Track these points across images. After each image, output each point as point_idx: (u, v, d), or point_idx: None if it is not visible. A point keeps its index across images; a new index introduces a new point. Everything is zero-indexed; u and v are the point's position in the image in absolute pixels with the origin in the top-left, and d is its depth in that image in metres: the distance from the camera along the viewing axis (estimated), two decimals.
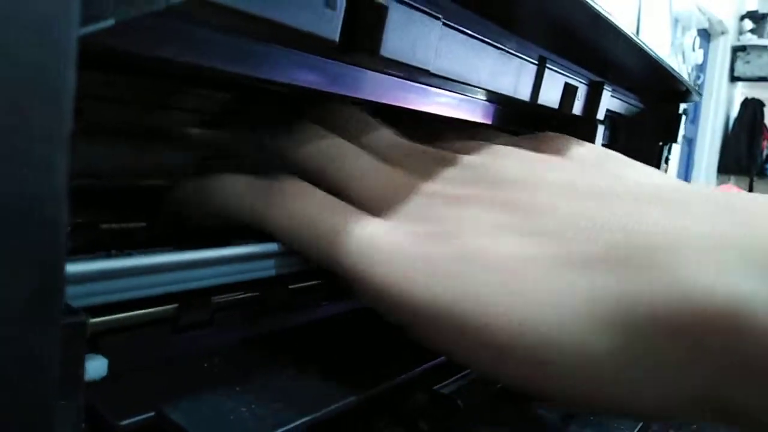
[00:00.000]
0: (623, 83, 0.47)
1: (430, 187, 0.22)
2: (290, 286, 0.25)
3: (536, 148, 0.27)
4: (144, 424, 0.17)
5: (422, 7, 0.23)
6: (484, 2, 0.29)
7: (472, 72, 0.28)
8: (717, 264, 0.16)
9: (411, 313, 0.20)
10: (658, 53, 0.40)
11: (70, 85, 0.10)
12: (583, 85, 0.39)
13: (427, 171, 0.23)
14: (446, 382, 0.32)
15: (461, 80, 0.27)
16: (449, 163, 0.23)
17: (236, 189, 0.24)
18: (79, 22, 0.10)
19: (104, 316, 0.19)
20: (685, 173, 3.41)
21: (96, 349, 0.18)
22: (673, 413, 0.17)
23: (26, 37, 0.10)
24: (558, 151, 0.27)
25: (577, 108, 0.39)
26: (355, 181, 0.24)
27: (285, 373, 0.22)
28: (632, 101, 0.50)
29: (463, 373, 0.33)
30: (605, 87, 0.41)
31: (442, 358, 0.30)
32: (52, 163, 0.10)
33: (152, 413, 0.17)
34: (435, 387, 0.31)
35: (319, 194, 0.23)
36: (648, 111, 0.52)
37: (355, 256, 0.21)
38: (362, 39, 0.21)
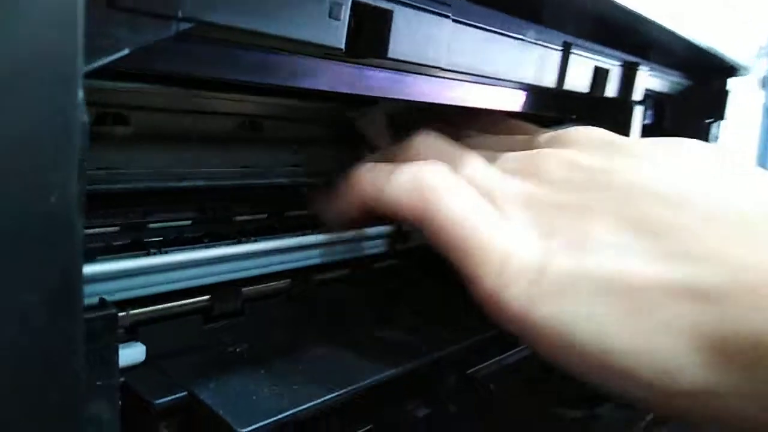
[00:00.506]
0: (665, 61, 0.46)
1: (547, 192, 0.22)
2: (316, 276, 0.26)
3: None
4: (177, 403, 0.19)
5: (430, 8, 0.24)
6: None
7: (489, 64, 0.28)
8: None
9: (531, 326, 0.20)
10: (720, 17, 0.39)
11: (77, 121, 0.12)
12: (616, 67, 0.39)
13: (542, 173, 0.23)
14: (480, 366, 0.33)
15: (477, 73, 0.28)
16: (565, 163, 0.23)
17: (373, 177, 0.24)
18: (83, 66, 0.12)
19: (143, 307, 0.21)
20: (765, 146, 3.21)
21: (136, 337, 0.21)
22: None
23: (37, 84, 0.11)
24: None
25: (611, 90, 0.39)
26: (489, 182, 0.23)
27: (311, 355, 0.23)
28: (676, 79, 0.49)
29: (497, 358, 0.34)
30: (640, 67, 0.40)
31: (476, 339, 0.31)
32: (67, 182, 0.12)
33: (184, 393, 0.19)
34: (469, 371, 0.33)
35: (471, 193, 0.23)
36: (695, 88, 0.50)
37: (486, 270, 0.21)
38: (369, 44, 0.23)
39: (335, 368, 0.23)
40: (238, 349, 0.23)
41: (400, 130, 0.39)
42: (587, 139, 0.25)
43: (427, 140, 0.26)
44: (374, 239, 0.27)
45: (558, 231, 0.21)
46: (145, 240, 0.28)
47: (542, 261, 0.20)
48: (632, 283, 0.19)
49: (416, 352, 0.26)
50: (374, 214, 0.24)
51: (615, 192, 0.21)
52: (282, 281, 0.25)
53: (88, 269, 0.17)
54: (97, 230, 0.28)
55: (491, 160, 0.25)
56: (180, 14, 0.17)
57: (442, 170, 0.23)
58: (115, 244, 0.27)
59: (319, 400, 0.20)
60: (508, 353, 0.33)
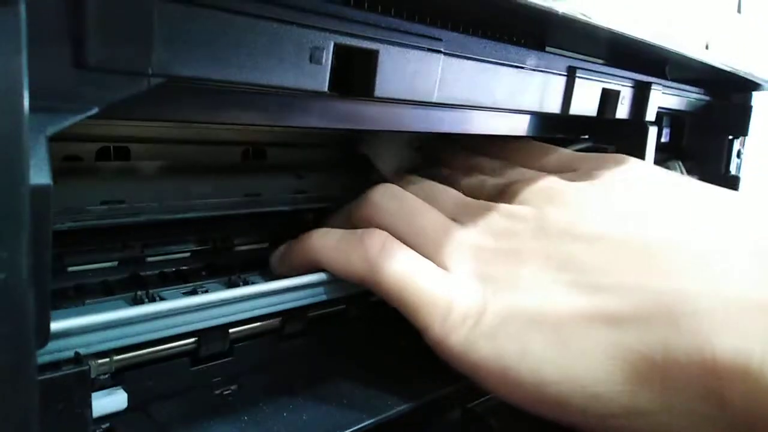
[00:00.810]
0: (682, 78, 0.45)
1: (489, 241, 0.24)
2: (308, 314, 0.26)
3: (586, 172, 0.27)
4: None
5: (419, 44, 0.24)
6: (499, 28, 0.29)
7: (485, 95, 0.28)
8: (744, 328, 0.17)
9: (474, 367, 0.22)
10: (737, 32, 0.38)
11: (24, 205, 0.12)
12: (627, 88, 0.38)
13: (486, 225, 0.25)
14: (480, 400, 0.32)
15: (472, 104, 0.28)
16: (507, 215, 0.25)
17: (328, 242, 0.26)
18: (28, 137, 0.12)
19: (128, 352, 0.21)
20: None
21: (121, 382, 0.21)
22: None
23: None
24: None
25: (623, 112, 0.38)
26: (421, 238, 0.25)
27: (299, 397, 0.23)
28: (695, 95, 0.47)
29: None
30: (653, 87, 0.39)
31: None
32: (17, 265, 0.12)
33: None
34: (469, 405, 0.32)
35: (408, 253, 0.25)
36: (715, 103, 0.49)
37: (432, 321, 0.23)
38: (355, 84, 0.22)
39: (322, 412, 0.22)
40: (225, 392, 0.23)
41: (419, 152, 0.39)
42: (533, 190, 0.26)
43: (384, 196, 0.27)
44: None
45: (495, 276, 0.23)
46: (142, 274, 0.29)
47: (480, 306, 0.22)
48: (556, 316, 0.21)
49: (413, 391, 0.25)
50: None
51: (544, 237, 0.23)
52: (272, 320, 0.25)
53: (65, 323, 0.17)
54: (95, 266, 0.28)
55: (453, 206, 0.27)
56: (151, 70, 0.17)
57: (382, 238, 0.25)
58: (111, 279, 0.27)
59: None
60: None
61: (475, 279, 0.23)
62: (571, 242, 0.22)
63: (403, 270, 0.24)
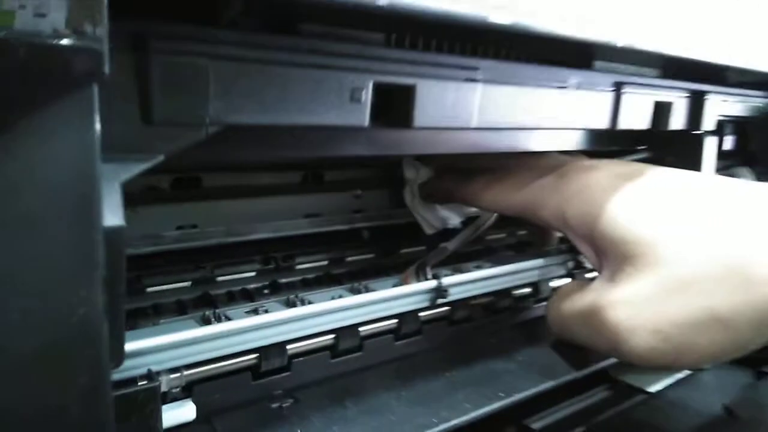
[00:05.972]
0: (745, 83, 0.43)
1: None
2: (360, 329, 0.28)
3: None
4: None
5: (456, 76, 0.25)
6: (545, 49, 0.30)
7: (526, 116, 0.29)
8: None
9: None
10: None
11: (98, 248, 0.14)
12: (681, 98, 0.37)
13: None
14: (536, 416, 0.33)
15: (514, 127, 0.29)
16: None
17: None
18: (101, 192, 0.14)
19: (197, 368, 0.23)
20: None
21: (190, 395, 0.23)
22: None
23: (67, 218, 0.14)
24: None
25: (677, 123, 0.38)
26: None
27: (352, 411, 0.25)
28: (761, 99, 0.45)
29: (553, 409, 0.34)
30: (709, 96, 0.38)
31: (532, 391, 0.30)
32: (93, 296, 0.14)
33: None
34: (523, 421, 0.33)
35: None
36: None
37: None
38: (395, 116, 0.24)
39: (371, 427, 0.24)
40: (283, 405, 0.25)
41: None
42: None
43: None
44: (416, 295, 0.28)
45: None
46: (212, 293, 0.31)
47: None
48: None
49: (463, 408, 0.26)
50: None
51: None
52: (327, 336, 0.27)
53: (139, 344, 0.20)
54: (171, 286, 0.31)
55: None
56: (208, 120, 0.19)
57: None
58: (184, 299, 0.30)
59: None
60: (563, 404, 0.33)
61: None
62: None
63: None
